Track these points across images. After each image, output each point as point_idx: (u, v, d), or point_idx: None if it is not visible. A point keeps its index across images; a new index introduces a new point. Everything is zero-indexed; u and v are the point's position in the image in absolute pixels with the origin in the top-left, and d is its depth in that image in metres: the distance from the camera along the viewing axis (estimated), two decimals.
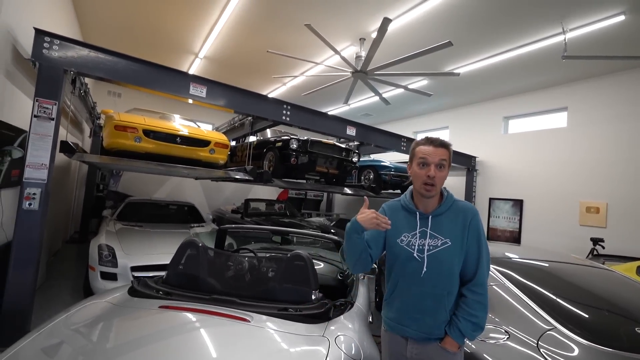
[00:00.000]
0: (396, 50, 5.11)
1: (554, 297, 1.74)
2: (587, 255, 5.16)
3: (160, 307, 1.67)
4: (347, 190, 6.21)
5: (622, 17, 4.13)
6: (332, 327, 1.69)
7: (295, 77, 6.08)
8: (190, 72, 6.30)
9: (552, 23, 4.38)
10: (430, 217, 1.44)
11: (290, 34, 5.27)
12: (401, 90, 6.66)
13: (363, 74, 5.02)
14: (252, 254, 2.91)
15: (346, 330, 1.70)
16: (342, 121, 5.09)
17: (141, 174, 8.07)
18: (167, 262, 2.23)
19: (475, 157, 7.13)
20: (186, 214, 6.13)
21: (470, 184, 7.10)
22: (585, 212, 5.68)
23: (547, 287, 1.87)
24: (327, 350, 1.45)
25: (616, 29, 4.30)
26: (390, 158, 7.11)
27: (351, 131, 5.11)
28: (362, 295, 2.50)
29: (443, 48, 4.00)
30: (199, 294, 1.88)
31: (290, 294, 1.94)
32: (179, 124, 4.62)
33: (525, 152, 6.42)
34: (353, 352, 1.51)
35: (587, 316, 1.68)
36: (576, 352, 1.44)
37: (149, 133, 3.93)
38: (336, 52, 4.41)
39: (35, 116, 2.78)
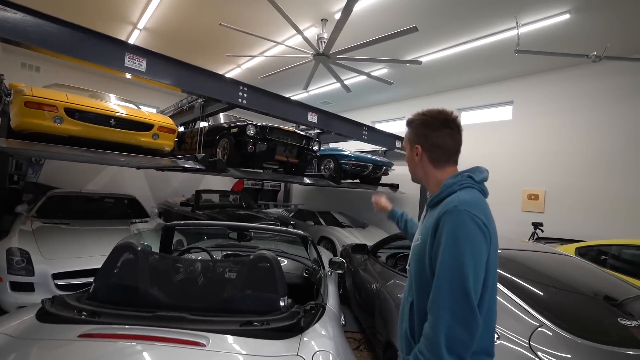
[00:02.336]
0: (360, 34, 4.90)
1: (536, 291, 1.69)
2: (529, 239, 5.58)
3: (80, 336, 1.27)
4: (307, 180, 5.96)
5: (567, 16, 4.36)
6: (307, 340, 1.44)
7: (253, 57, 5.59)
8: None
9: (508, 17, 4.49)
10: (426, 207, 1.25)
11: (247, 8, 4.77)
12: (361, 78, 6.52)
13: (325, 58, 4.74)
14: (205, 254, 2.54)
15: (323, 343, 1.46)
16: (304, 107, 4.78)
17: (71, 163, 6.98)
18: (98, 266, 1.80)
19: None
20: (126, 208, 5.40)
21: None
22: (527, 199, 6.14)
23: (524, 279, 1.82)
24: None
25: (562, 27, 4.55)
26: (349, 147, 7.00)
27: (313, 118, 4.83)
28: (332, 295, 2.29)
29: (409, 33, 3.87)
30: (138, 310, 1.50)
31: (254, 302, 1.65)
32: (115, 105, 3.95)
33: (476, 143, 6.72)
34: None
35: (571, 310, 1.65)
36: (567, 349, 1.37)
37: (74, 113, 3.26)
38: (298, 30, 4.06)
39: None
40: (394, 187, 7.54)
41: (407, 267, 1.25)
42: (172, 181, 8.97)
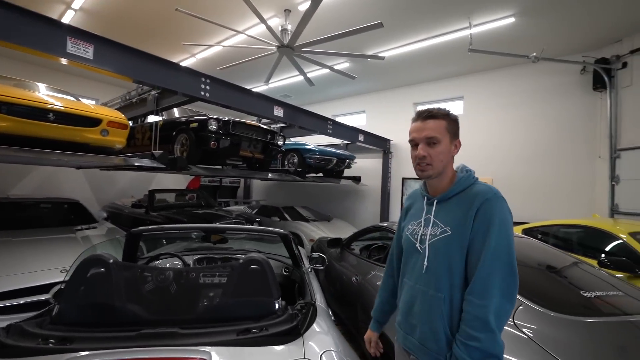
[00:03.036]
0: (324, 27, 4.85)
1: None
2: None
3: None
4: (272, 176, 5.83)
5: (512, 19, 4.77)
6: (311, 343, 1.40)
7: (210, 46, 5.24)
8: None
9: (462, 17, 4.78)
10: (435, 201, 1.25)
11: None
12: (323, 71, 6.50)
13: (290, 50, 4.62)
14: (180, 262, 2.35)
15: (325, 343, 1.44)
16: (270, 100, 4.64)
17: None
18: (45, 282, 1.55)
19: (390, 140, 7.59)
20: (68, 214, 4.81)
21: (387, 165, 7.56)
22: None
23: None
24: None
25: (508, 29, 4.96)
26: (313, 141, 6.98)
27: (279, 112, 4.71)
28: (318, 291, 2.28)
29: (374, 29, 3.92)
30: (119, 330, 1.33)
31: (248, 307, 1.56)
32: (50, 96, 3.44)
33: None
34: None
35: (542, 288, 1.82)
36: (544, 323, 1.52)
37: (0, 106, 2.77)
38: (262, 20, 3.89)
39: None
40: (357, 179, 7.72)
41: (424, 263, 1.20)
42: (118, 181, 8.17)
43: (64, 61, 2.83)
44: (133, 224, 5.67)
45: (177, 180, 8.78)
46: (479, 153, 6.27)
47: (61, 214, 4.72)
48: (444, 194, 1.22)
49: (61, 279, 1.91)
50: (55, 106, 3.09)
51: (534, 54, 4.87)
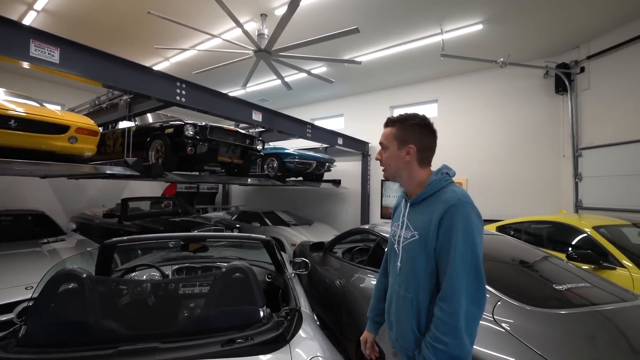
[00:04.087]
0: (300, 32, 4.87)
1: (490, 271, 1.91)
2: None
3: None
4: (252, 181, 5.76)
5: (480, 26, 4.99)
6: (298, 350, 1.39)
7: (185, 50, 5.11)
8: None
9: (434, 24, 4.95)
10: (408, 204, 1.29)
11: None
12: (301, 75, 6.52)
13: (267, 54, 4.60)
14: (158, 273, 2.26)
15: (312, 349, 1.44)
16: (248, 105, 4.58)
17: None
18: (8, 300, 1.46)
19: (368, 143, 7.70)
20: (32, 226, 4.53)
21: (366, 168, 7.66)
22: None
23: None
24: None
25: (477, 35, 5.19)
26: (289, 145, 6.97)
27: (257, 116, 4.66)
28: (302, 296, 2.26)
29: (351, 34, 3.97)
30: (94, 349, 1.26)
31: (232, 317, 1.52)
32: (9, 102, 3.22)
33: None
34: None
35: (517, 284, 1.90)
36: (521, 316, 1.59)
37: None
38: (238, 24, 3.85)
39: None
40: (337, 182, 7.76)
41: (397, 264, 1.27)
42: (87, 190, 7.77)
43: (26, 65, 2.67)
44: (105, 234, 5.40)
45: (152, 188, 8.47)
46: (454, 154, 6.48)
47: (25, 226, 4.43)
48: (415, 198, 1.26)
49: (27, 297, 1.78)
50: (17, 112, 2.90)
51: (501, 59, 5.12)
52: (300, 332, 1.58)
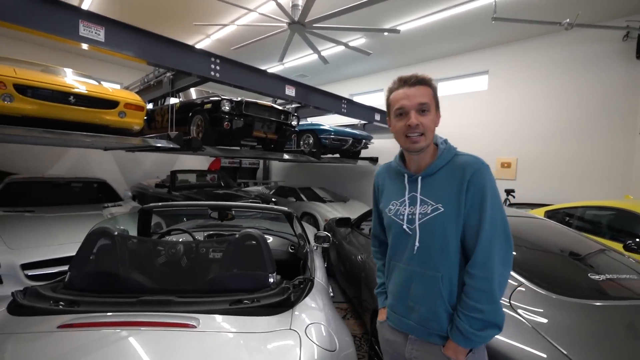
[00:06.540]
0: (335, 1, 4.67)
1: (514, 253, 1.76)
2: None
3: (60, 326, 1.20)
4: (287, 157, 5.86)
5: None
6: (299, 314, 1.44)
7: (224, 26, 5.21)
8: None
9: None
10: (420, 178, 1.16)
11: None
12: (338, 49, 6.32)
13: (301, 26, 4.51)
14: (187, 236, 2.46)
15: (314, 316, 1.47)
16: (281, 80, 4.59)
17: (26, 147, 6.45)
18: (71, 253, 1.70)
19: None
20: (96, 192, 5.13)
21: None
22: (500, 167, 6.38)
23: None
24: (299, 347, 1.21)
25: None
26: (327, 121, 6.90)
27: (290, 91, 4.66)
28: (319, 268, 2.31)
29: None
30: (121, 297, 1.43)
31: (243, 280, 1.62)
32: (72, 80, 3.61)
33: (452, 114, 6.80)
34: (328, 344, 1.30)
35: (546, 269, 1.74)
36: (543, 305, 1.46)
37: (26, 90, 2.96)
38: None
39: None
40: (374, 160, 7.60)
41: (415, 244, 1.14)
42: (143, 163, 8.57)
43: (84, 46, 2.94)
44: (157, 202, 5.97)
45: (199, 162, 9.06)
46: (502, 130, 5.95)
47: (90, 192, 5.04)
48: (429, 169, 1.15)
49: None
50: (74, 89, 3.24)
51: (567, 20, 4.43)
52: (308, 299, 1.62)
